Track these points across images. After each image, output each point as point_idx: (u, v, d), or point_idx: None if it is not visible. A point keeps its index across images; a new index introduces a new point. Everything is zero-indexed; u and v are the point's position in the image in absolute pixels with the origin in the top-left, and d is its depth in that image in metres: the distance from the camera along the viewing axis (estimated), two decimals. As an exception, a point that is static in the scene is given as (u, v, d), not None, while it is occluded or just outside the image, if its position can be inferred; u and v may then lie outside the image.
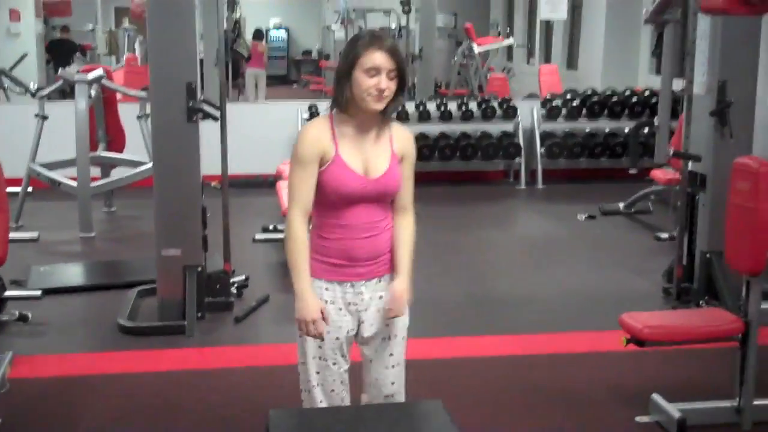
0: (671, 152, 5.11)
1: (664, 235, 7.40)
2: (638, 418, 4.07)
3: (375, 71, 2.78)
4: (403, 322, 3.04)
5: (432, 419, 2.60)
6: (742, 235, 3.97)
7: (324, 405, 2.97)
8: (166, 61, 5.21)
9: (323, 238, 2.92)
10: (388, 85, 2.80)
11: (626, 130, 10.06)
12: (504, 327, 5.44)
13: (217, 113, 5.52)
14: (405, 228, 3.01)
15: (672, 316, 4.44)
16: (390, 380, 3.05)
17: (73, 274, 6.54)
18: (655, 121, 5.05)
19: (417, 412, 2.70)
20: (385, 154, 2.91)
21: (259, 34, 16.05)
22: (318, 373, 2.96)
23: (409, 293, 2.99)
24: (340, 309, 2.94)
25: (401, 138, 2.98)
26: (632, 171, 5.52)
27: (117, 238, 7.86)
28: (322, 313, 2.85)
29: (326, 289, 2.92)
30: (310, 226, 2.95)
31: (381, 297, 2.97)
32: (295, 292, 2.85)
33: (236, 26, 14.65)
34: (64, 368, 4.77)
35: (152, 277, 5.55)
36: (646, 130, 5.57)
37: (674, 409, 3.94)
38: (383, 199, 2.93)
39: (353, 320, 2.98)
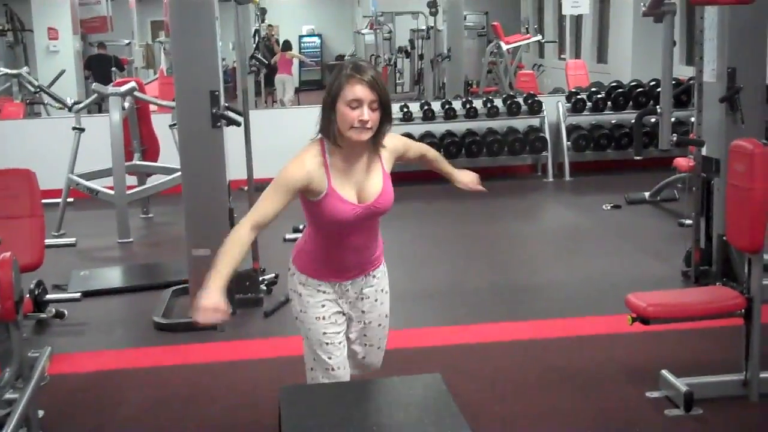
0: (675, 139, 5.25)
1: (688, 221, 7.45)
2: (648, 394, 4.21)
3: (357, 103, 2.83)
4: (380, 312, 3.29)
5: (431, 390, 2.79)
6: (740, 214, 4.13)
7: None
8: (190, 71, 5.46)
9: (317, 250, 3.11)
10: (371, 116, 2.85)
11: (652, 120, 10.13)
12: (523, 313, 5.60)
13: (240, 119, 5.75)
14: (437, 159, 3.44)
15: (677, 294, 4.56)
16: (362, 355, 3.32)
17: (111, 277, 6.81)
18: (658, 108, 5.18)
19: (417, 384, 2.89)
20: (378, 177, 3.02)
21: (287, 45, 16.61)
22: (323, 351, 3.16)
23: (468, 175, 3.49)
24: (334, 299, 3.18)
25: (390, 149, 3.08)
26: (637, 158, 5.65)
27: (153, 243, 8.14)
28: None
29: (320, 285, 3.13)
30: (304, 237, 3.17)
31: (370, 287, 3.23)
32: (207, 283, 2.76)
33: (256, 35, 14.99)
34: (102, 363, 5.03)
35: (186, 278, 5.79)
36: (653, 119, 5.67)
37: (682, 384, 4.08)
38: (376, 217, 3.08)
39: (347, 307, 3.22)
